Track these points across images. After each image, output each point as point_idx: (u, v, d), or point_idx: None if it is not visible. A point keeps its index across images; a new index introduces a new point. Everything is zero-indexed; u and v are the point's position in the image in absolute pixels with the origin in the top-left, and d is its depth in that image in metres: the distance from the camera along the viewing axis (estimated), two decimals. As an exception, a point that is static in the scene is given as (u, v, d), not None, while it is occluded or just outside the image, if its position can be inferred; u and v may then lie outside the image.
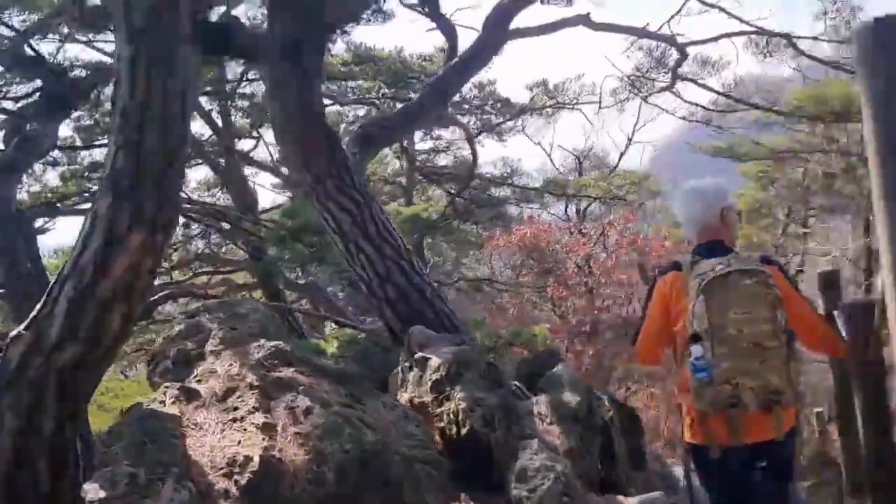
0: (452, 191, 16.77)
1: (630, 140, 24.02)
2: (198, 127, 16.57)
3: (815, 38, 8.61)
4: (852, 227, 20.73)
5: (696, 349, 3.01)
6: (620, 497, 4.90)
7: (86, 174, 13.86)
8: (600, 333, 17.72)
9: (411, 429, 3.65)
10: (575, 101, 16.94)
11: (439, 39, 11.29)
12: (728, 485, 3.20)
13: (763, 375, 2.97)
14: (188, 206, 16.11)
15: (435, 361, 4.32)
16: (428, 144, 20.12)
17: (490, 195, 18.03)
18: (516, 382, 6.97)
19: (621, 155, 24.03)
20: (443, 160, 20.43)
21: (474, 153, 12.12)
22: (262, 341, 4.28)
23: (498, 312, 19.48)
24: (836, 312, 4.22)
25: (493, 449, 3.93)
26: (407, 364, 4.94)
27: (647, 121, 23.95)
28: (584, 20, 7.97)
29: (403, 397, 4.39)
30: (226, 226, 13.65)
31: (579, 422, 5.71)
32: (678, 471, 9.19)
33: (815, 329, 3.31)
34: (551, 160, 24.34)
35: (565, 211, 21.28)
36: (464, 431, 3.93)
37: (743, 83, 10.57)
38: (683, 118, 11.52)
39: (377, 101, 15.98)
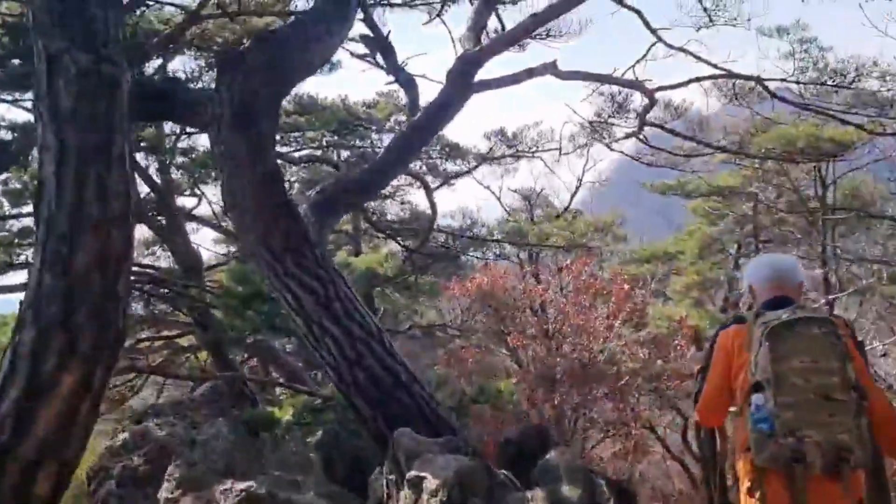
0: (406, 244, 16.16)
1: (580, 181, 23.84)
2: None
3: (783, 80, 8.30)
4: (802, 257, 20.79)
5: (757, 398, 2.83)
6: None
7: (15, 241, 12.94)
8: (560, 382, 17.23)
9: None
10: (534, 149, 16.61)
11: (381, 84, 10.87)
12: None
13: (830, 431, 2.72)
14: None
15: (432, 483, 3.69)
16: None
17: (448, 248, 17.45)
18: (504, 472, 6.38)
19: (572, 196, 23.80)
20: (391, 207, 19.89)
21: (433, 207, 11.59)
22: (230, 483, 3.61)
23: (455, 362, 18.83)
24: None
25: None
26: (392, 477, 4.30)
27: (598, 161, 23.86)
28: (552, 68, 7.54)
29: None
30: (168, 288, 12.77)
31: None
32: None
33: (880, 414, 2.90)
34: (500, 202, 23.98)
35: (518, 256, 20.83)
36: (476, 578, 3.32)
37: (708, 125, 10.31)
38: (650, 164, 11.17)
39: (324, 148, 15.43)
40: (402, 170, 8.85)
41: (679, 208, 23.95)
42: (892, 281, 14.35)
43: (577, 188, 24.12)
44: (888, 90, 8.43)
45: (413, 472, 3.85)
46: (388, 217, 19.59)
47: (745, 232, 20.08)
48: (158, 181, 14.41)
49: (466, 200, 27.18)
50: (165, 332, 15.92)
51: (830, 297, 16.80)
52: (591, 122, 10.42)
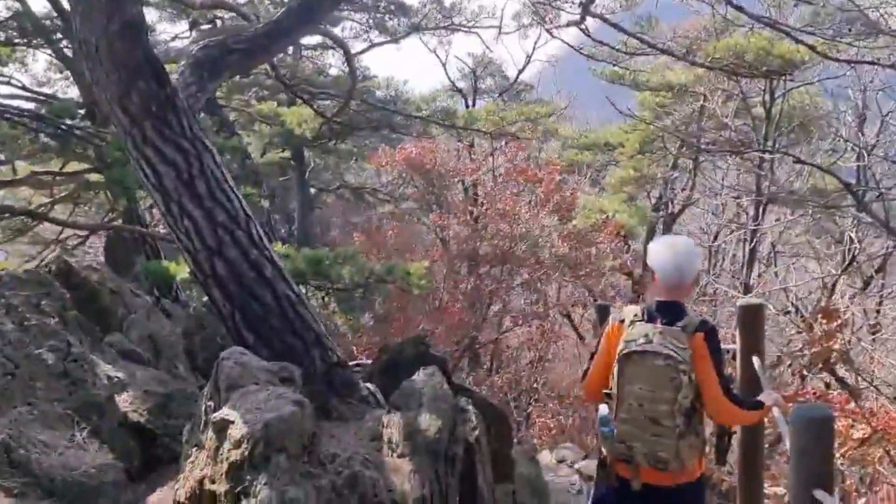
0: (325, 110, 15.14)
1: (529, 58, 22.86)
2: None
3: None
4: (739, 164, 20.52)
5: (603, 407, 3.49)
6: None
7: None
8: (480, 264, 16.93)
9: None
10: (472, 23, 15.47)
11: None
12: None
13: (652, 447, 3.33)
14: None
15: (237, 432, 3.13)
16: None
17: (369, 119, 16.46)
18: (369, 385, 5.90)
19: (519, 72, 22.87)
20: (308, 69, 18.70)
21: (353, 74, 10.59)
22: None
23: (377, 233, 18.32)
24: (755, 359, 4.02)
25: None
26: (211, 404, 3.74)
27: (549, 40, 22.82)
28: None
29: (193, 476, 3.21)
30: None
31: (438, 455, 4.70)
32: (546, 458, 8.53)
33: (709, 399, 3.36)
34: (445, 70, 22.95)
35: (457, 132, 20.05)
36: (262, 556, 2.82)
37: (657, 23, 9.51)
38: (591, 56, 10.39)
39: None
40: (307, 30, 7.89)
41: (628, 97, 23.23)
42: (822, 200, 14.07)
43: (526, 64, 23.17)
44: (850, 10, 7.76)
45: (221, 413, 3.29)
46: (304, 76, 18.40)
47: (689, 133, 19.53)
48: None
49: (411, 66, 26.05)
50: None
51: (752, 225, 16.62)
52: (533, 2, 9.52)
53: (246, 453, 3.06)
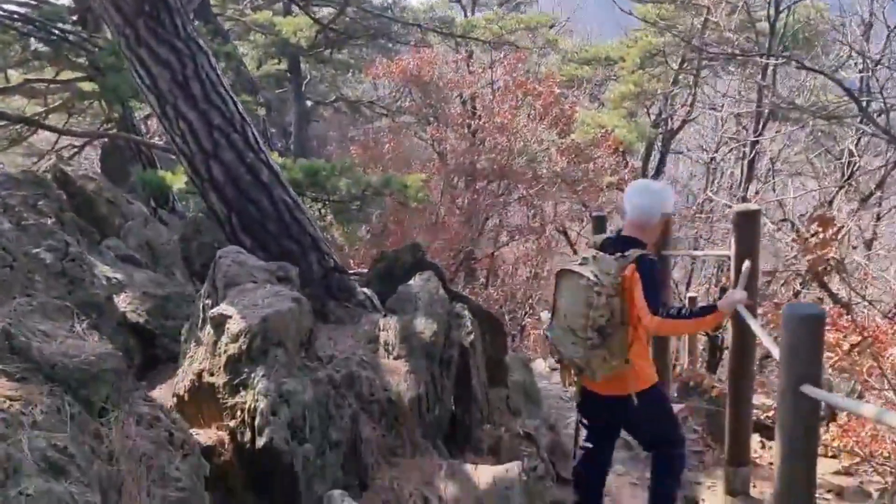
0: (322, 18, 14.76)
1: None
2: None
3: None
4: (740, 77, 20.24)
5: (544, 314, 4.14)
6: (469, 467, 4.06)
7: None
8: (478, 178, 16.85)
9: (171, 468, 2.53)
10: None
11: None
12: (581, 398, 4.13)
13: (571, 354, 3.84)
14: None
15: (235, 326, 3.16)
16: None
17: (366, 26, 16.07)
18: (366, 290, 5.96)
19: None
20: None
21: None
22: None
23: (374, 147, 18.16)
24: (745, 263, 3.99)
25: (299, 475, 2.90)
26: (209, 301, 3.78)
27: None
28: None
29: (192, 369, 3.26)
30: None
31: (433, 357, 4.78)
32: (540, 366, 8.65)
33: (645, 323, 3.63)
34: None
35: (454, 43, 19.67)
36: (260, 443, 2.87)
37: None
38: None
39: None
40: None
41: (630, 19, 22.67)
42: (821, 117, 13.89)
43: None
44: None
45: (219, 309, 3.32)
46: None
47: (691, 47, 19.15)
48: None
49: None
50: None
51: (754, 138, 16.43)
52: None
53: (244, 347, 3.10)
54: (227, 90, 5.50)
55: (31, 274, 3.42)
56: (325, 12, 17.00)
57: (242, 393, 3.03)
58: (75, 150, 15.66)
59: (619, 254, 3.72)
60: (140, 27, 5.17)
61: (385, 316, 5.02)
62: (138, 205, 7.43)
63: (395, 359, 4.72)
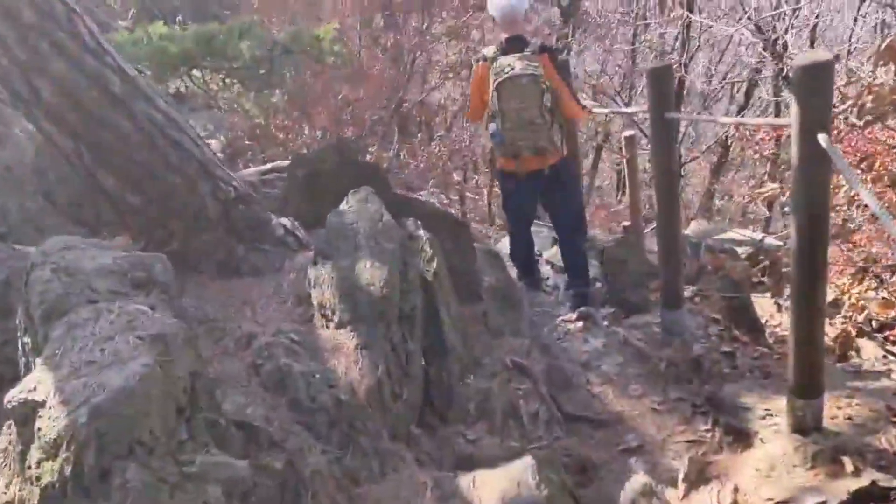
0: None
1: None
2: None
3: None
4: None
5: (492, 126, 4.74)
6: (466, 482, 2.88)
7: None
8: (397, 14, 14.93)
9: None
10: None
11: None
12: (518, 190, 5.07)
13: (534, 141, 4.71)
14: None
15: (51, 426, 1.79)
16: None
17: None
18: (284, 221, 4.45)
19: None
20: None
21: None
22: None
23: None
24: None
25: None
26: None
27: None
28: None
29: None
30: None
31: (389, 317, 3.46)
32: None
33: (563, 103, 4.78)
34: None
35: None
36: None
37: None
38: None
39: None
40: None
41: None
42: None
43: None
44: None
45: (24, 386, 1.93)
46: None
47: None
48: None
49: None
50: None
51: None
52: None
53: (68, 467, 1.75)
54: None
55: None
56: None
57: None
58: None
59: (527, 51, 4.67)
60: None
61: (315, 264, 3.65)
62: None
63: (338, 327, 3.41)
